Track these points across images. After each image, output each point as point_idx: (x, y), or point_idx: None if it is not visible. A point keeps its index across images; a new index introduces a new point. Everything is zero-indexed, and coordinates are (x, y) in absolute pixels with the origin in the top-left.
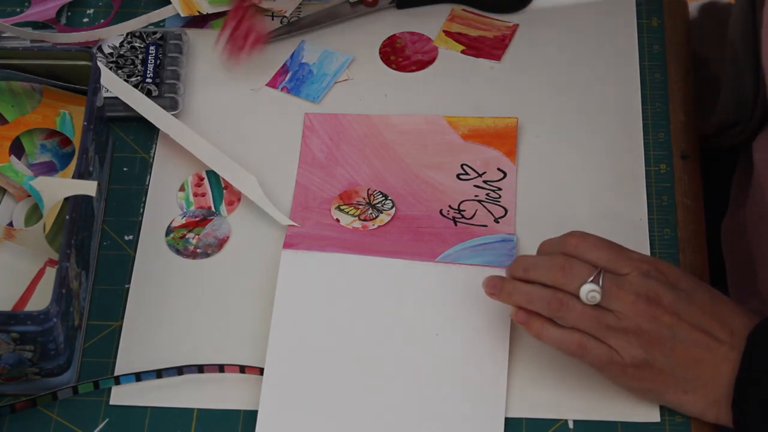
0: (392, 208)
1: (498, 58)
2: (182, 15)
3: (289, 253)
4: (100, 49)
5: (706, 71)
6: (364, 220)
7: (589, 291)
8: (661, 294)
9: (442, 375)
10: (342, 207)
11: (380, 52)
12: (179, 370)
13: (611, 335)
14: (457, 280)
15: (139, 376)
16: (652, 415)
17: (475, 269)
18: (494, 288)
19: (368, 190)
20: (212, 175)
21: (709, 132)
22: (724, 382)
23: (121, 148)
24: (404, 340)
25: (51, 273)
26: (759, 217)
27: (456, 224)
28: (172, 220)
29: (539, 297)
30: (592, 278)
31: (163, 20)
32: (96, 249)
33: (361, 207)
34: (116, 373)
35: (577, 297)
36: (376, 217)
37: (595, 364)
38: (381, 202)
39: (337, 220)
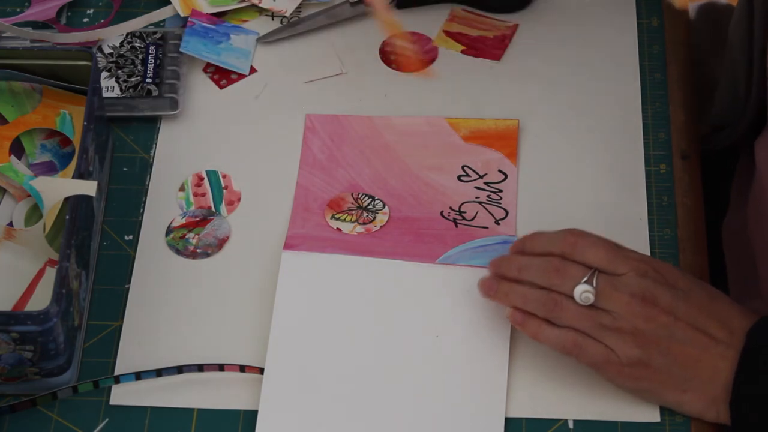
0: (384, 206)
1: (498, 58)
2: (182, 15)
3: (290, 254)
4: (100, 49)
5: (701, 73)
6: (364, 223)
7: (583, 292)
8: (657, 294)
9: (443, 375)
10: (336, 216)
11: (380, 52)
12: (179, 370)
13: (607, 335)
14: (458, 282)
15: (138, 375)
16: (652, 415)
17: (476, 271)
18: (490, 289)
19: (352, 194)
20: (212, 175)
21: (704, 133)
22: (722, 381)
23: (121, 148)
24: (404, 341)
25: (51, 273)
26: (761, 216)
27: (457, 226)
28: (172, 220)
29: (534, 298)
30: (585, 279)
31: (163, 20)
32: (96, 249)
33: (354, 212)
34: (116, 374)
35: (572, 298)
36: (374, 218)
37: (591, 364)
38: (370, 203)
39: (339, 230)
